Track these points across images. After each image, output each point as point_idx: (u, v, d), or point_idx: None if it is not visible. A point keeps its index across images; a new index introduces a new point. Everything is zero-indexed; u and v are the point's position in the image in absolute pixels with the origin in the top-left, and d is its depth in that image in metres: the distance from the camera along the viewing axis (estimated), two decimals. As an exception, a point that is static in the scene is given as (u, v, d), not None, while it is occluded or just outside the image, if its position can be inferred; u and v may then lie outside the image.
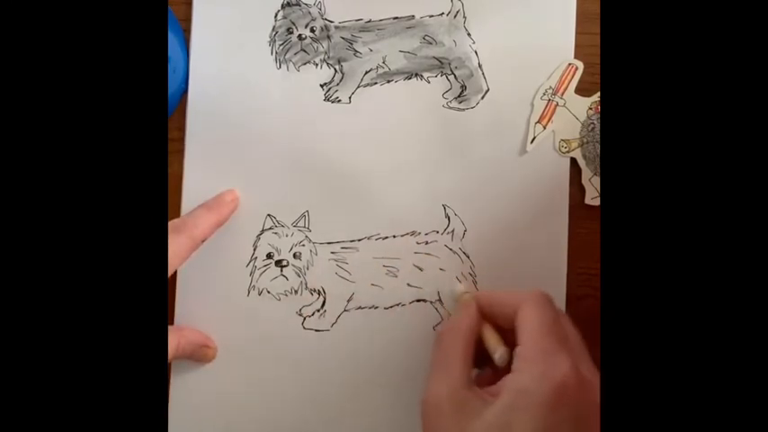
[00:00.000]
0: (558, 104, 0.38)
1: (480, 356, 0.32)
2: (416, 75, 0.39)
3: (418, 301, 0.39)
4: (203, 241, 0.37)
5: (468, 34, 0.39)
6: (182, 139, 0.39)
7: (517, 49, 0.39)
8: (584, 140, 0.38)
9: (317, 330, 0.39)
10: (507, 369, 0.30)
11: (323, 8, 0.39)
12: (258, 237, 0.39)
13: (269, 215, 0.39)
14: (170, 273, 0.35)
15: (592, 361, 0.31)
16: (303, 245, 0.39)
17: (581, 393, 0.28)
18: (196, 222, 0.36)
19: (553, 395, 0.27)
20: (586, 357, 0.31)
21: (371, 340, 0.38)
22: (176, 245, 0.35)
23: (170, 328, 0.37)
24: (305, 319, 0.39)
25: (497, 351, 0.31)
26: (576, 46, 0.38)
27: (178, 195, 0.39)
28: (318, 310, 0.39)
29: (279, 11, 0.39)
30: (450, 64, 0.39)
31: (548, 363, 0.28)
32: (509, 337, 0.31)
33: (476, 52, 0.39)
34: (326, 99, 0.39)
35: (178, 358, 0.38)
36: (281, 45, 0.39)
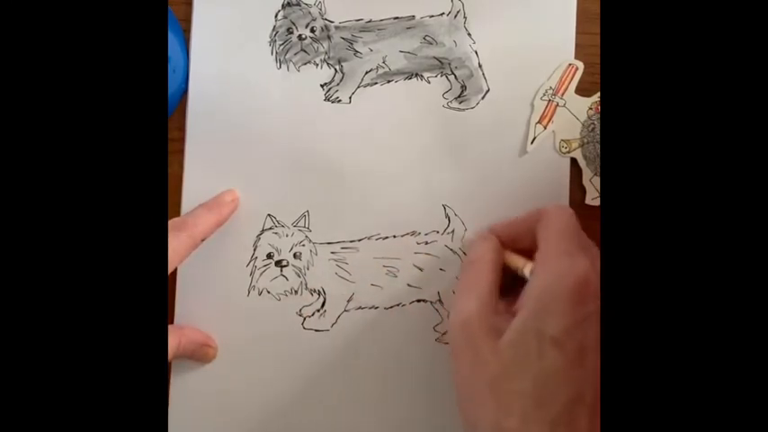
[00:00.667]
0: (558, 105, 0.38)
1: (505, 287, 0.32)
2: (417, 75, 0.39)
3: (418, 301, 0.39)
4: (203, 241, 0.37)
5: (469, 34, 0.39)
6: (182, 139, 0.39)
7: (517, 49, 0.39)
8: (585, 141, 0.38)
9: (316, 330, 0.39)
10: None
11: (323, 8, 0.39)
12: (258, 237, 0.39)
13: (269, 215, 0.39)
14: (169, 271, 0.35)
15: None
16: (303, 245, 0.39)
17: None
18: (196, 222, 0.36)
19: (576, 290, 0.27)
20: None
21: (371, 340, 0.38)
22: (176, 244, 0.35)
23: (171, 327, 0.37)
24: (305, 319, 0.39)
25: (527, 266, 0.31)
26: (576, 46, 0.38)
27: (178, 195, 0.39)
28: (318, 310, 0.39)
29: (279, 11, 0.39)
30: (450, 64, 0.39)
31: (567, 262, 0.28)
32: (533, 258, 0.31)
33: (476, 52, 0.39)
34: (327, 99, 0.39)
35: (178, 357, 0.38)
36: (281, 45, 0.39)
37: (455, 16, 0.39)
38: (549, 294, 0.27)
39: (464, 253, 0.38)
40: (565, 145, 0.38)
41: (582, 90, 0.38)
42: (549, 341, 0.27)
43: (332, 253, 0.39)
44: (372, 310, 0.39)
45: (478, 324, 0.28)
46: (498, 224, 0.34)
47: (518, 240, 0.32)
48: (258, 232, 0.39)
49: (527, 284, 0.29)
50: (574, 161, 0.38)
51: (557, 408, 0.26)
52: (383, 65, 0.39)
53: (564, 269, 0.28)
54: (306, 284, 0.39)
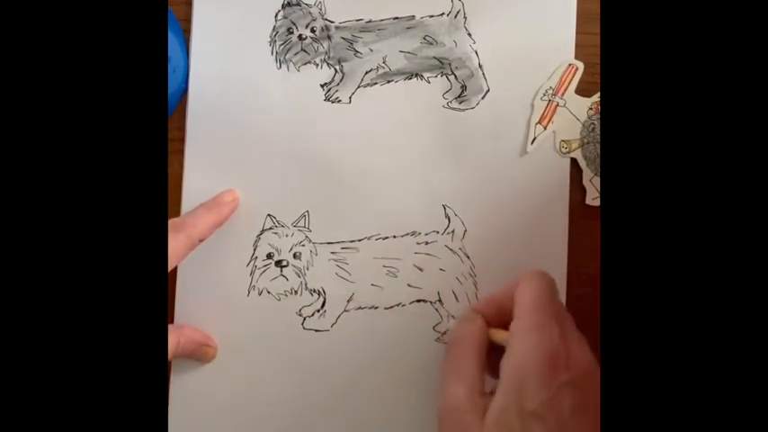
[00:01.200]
0: (558, 105, 0.38)
1: (491, 367, 0.32)
2: (417, 75, 0.39)
3: (418, 301, 0.39)
4: (201, 241, 0.37)
5: (469, 34, 0.39)
6: (182, 139, 0.39)
7: (517, 49, 0.39)
8: (585, 141, 0.38)
9: (316, 330, 0.39)
10: None
11: (323, 8, 0.39)
12: (258, 237, 0.39)
13: (269, 215, 0.39)
14: None
15: (585, 342, 0.31)
16: (303, 245, 0.39)
17: (574, 361, 0.28)
18: (195, 222, 0.36)
19: (548, 363, 0.28)
20: (577, 336, 0.31)
21: (371, 340, 0.38)
22: (174, 243, 0.35)
23: (170, 326, 0.37)
24: (305, 319, 0.39)
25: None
26: (576, 46, 0.38)
27: (178, 195, 0.39)
28: (318, 311, 0.39)
29: (279, 11, 0.39)
30: (450, 64, 0.39)
31: (537, 335, 0.28)
32: None
33: (476, 52, 0.39)
34: (327, 99, 0.39)
35: (178, 357, 0.38)
36: (281, 45, 0.39)
37: (455, 16, 0.39)
38: (522, 370, 0.28)
39: (464, 253, 0.38)
40: (565, 145, 0.38)
41: (582, 90, 0.38)
42: (529, 416, 0.27)
43: (332, 253, 0.39)
44: (372, 310, 0.39)
45: (467, 408, 0.29)
46: (480, 302, 0.34)
47: (502, 313, 0.32)
48: (258, 232, 0.39)
49: (502, 361, 0.29)
50: (574, 161, 0.38)
51: None
52: (383, 65, 0.39)
53: (534, 343, 0.29)
54: (306, 284, 0.39)
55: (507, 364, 0.29)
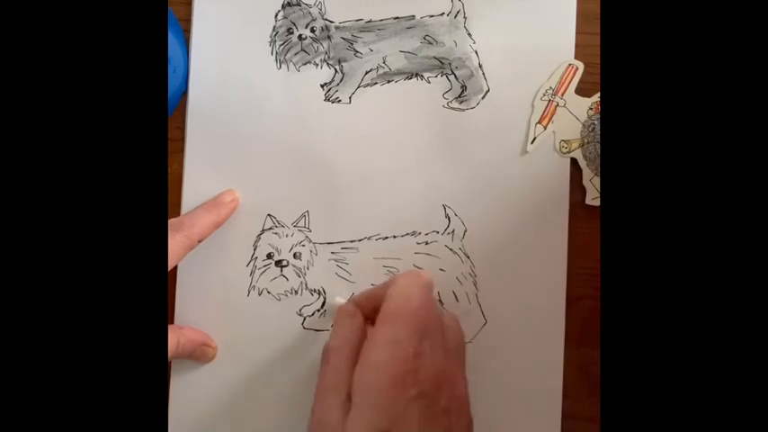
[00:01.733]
0: (558, 105, 0.38)
1: None
2: (417, 75, 0.39)
3: (418, 301, 0.39)
4: (200, 241, 0.37)
5: (469, 34, 0.39)
6: (182, 139, 0.39)
7: (517, 49, 0.39)
8: (585, 141, 0.38)
9: (316, 330, 0.39)
10: None
11: (323, 8, 0.39)
12: (258, 237, 0.39)
13: (269, 215, 0.39)
14: None
15: (444, 347, 0.31)
16: (303, 245, 0.39)
17: (424, 374, 0.29)
18: (193, 222, 0.36)
19: (395, 381, 0.28)
20: (437, 339, 0.31)
21: (371, 340, 0.38)
22: (173, 243, 0.35)
23: (170, 327, 0.37)
24: (305, 319, 0.39)
25: None
26: (576, 46, 0.38)
27: (178, 195, 0.39)
28: (318, 310, 0.39)
29: (279, 11, 0.39)
30: (450, 64, 0.39)
31: (388, 352, 0.29)
32: None
33: (476, 52, 0.39)
34: (327, 99, 0.39)
35: (178, 357, 0.38)
36: (281, 45, 0.39)
37: (455, 16, 0.39)
38: (372, 386, 0.29)
39: (464, 253, 0.38)
40: (565, 145, 0.38)
41: (582, 90, 0.38)
42: None
43: (332, 253, 0.39)
44: (372, 310, 0.39)
45: (339, 424, 0.29)
46: (361, 295, 0.35)
47: (377, 310, 0.32)
48: (258, 232, 0.39)
49: (355, 370, 0.30)
50: (574, 161, 0.38)
51: None
52: (383, 65, 0.39)
53: (386, 358, 0.29)
54: (306, 284, 0.39)
55: (358, 378, 0.29)
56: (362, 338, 0.32)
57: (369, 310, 0.33)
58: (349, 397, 0.30)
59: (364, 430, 0.28)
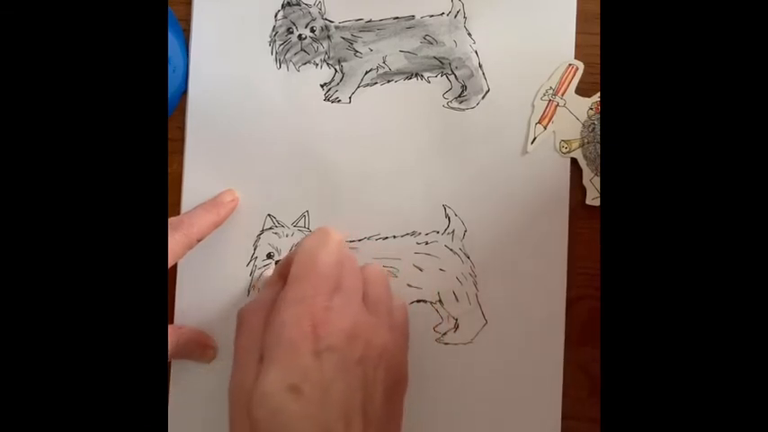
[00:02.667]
0: (558, 105, 0.38)
1: None
2: (417, 75, 0.39)
3: (418, 301, 0.39)
4: (200, 241, 0.37)
5: (469, 34, 0.39)
6: (182, 139, 0.39)
7: (517, 49, 0.39)
8: (585, 141, 0.38)
9: (316, 330, 0.39)
10: None
11: (323, 8, 0.39)
12: (258, 237, 0.39)
13: (269, 215, 0.39)
14: None
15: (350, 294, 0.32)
16: (303, 245, 0.39)
17: (333, 327, 0.29)
18: (193, 221, 0.36)
19: (304, 335, 0.28)
20: (349, 294, 0.31)
21: (371, 340, 0.38)
22: (172, 242, 0.35)
23: (170, 327, 0.37)
24: (305, 319, 0.39)
25: None
26: (576, 46, 0.38)
27: (178, 195, 0.39)
28: (318, 311, 0.39)
29: (279, 11, 0.39)
30: (450, 64, 0.39)
31: (293, 309, 0.29)
32: None
33: (476, 52, 0.39)
34: (327, 99, 0.39)
35: (177, 357, 0.38)
36: (281, 45, 0.39)
37: (455, 16, 0.39)
38: (279, 344, 0.29)
39: (464, 253, 0.38)
40: (565, 145, 0.38)
41: (582, 90, 0.38)
42: (288, 390, 0.28)
43: (332, 253, 0.39)
44: (372, 310, 0.39)
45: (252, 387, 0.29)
46: (280, 263, 0.35)
47: None
48: (258, 232, 0.39)
49: (265, 331, 0.30)
50: (574, 161, 0.38)
51: None
52: (383, 65, 0.39)
53: (290, 315, 0.29)
54: (306, 284, 0.39)
55: (267, 338, 0.29)
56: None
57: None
58: (262, 359, 0.29)
59: (274, 386, 0.28)
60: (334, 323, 0.29)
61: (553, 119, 0.38)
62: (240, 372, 0.30)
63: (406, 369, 0.33)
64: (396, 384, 0.32)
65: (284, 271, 0.33)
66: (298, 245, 0.32)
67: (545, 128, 0.38)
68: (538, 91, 0.38)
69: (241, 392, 0.29)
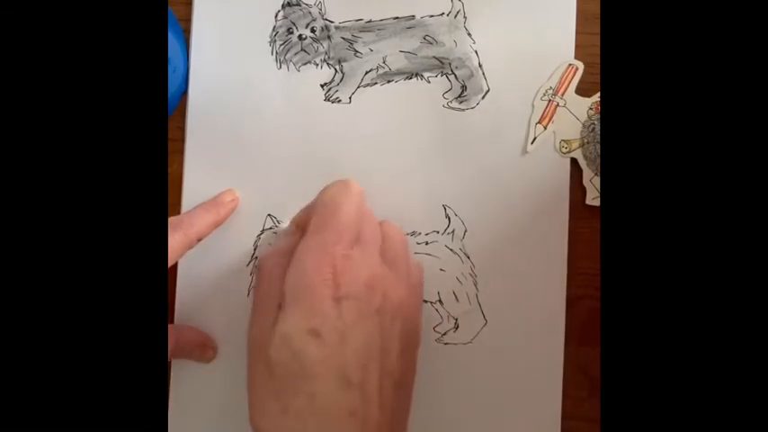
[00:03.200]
0: (558, 105, 0.38)
1: None
2: (417, 75, 0.39)
3: (418, 301, 0.39)
4: (199, 240, 0.37)
5: (469, 34, 0.39)
6: (182, 139, 0.39)
7: (517, 49, 0.39)
8: (585, 141, 0.38)
9: (317, 330, 0.39)
10: None
11: (323, 8, 0.39)
12: (258, 237, 0.39)
13: (269, 215, 0.39)
14: None
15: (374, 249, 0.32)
16: (303, 245, 0.39)
17: (351, 276, 0.29)
18: (192, 221, 0.36)
19: (324, 282, 0.29)
20: (367, 248, 0.32)
21: (371, 340, 0.38)
22: (171, 242, 0.35)
23: (170, 327, 0.37)
24: (305, 319, 0.39)
25: None
26: (576, 46, 0.38)
27: (178, 195, 0.39)
28: (318, 311, 0.39)
29: (279, 11, 0.39)
30: (450, 64, 0.39)
31: (318, 253, 0.30)
32: None
33: (476, 52, 0.39)
34: (327, 99, 0.39)
35: (177, 357, 0.38)
36: (281, 45, 0.39)
37: (455, 16, 0.39)
38: (298, 288, 0.29)
39: (464, 253, 0.38)
40: (565, 145, 0.38)
41: (582, 90, 0.38)
42: (306, 334, 0.28)
43: (332, 253, 0.39)
44: (372, 310, 0.39)
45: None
46: (299, 213, 0.35)
47: None
48: (258, 232, 0.39)
49: (286, 278, 0.30)
50: (574, 161, 0.38)
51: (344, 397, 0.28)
52: (383, 65, 0.39)
53: (311, 263, 0.30)
54: (306, 284, 0.39)
55: (288, 283, 0.30)
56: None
57: (308, 225, 0.34)
58: (281, 305, 0.30)
59: (294, 329, 0.28)
60: (354, 272, 0.30)
61: (553, 119, 0.38)
62: (260, 317, 0.31)
63: (420, 327, 0.34)
64: (410, 340, 0.32)
65: (302, 221, 0.33)
66: (319, 195, 0.33)
67: (545, 128, 0.38)
68: (538, 91, 0.38)
69: (260, 336, 0.30)
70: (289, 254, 0.32)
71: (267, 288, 0.31)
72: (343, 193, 0.32)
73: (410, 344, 0.32)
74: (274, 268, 0.32)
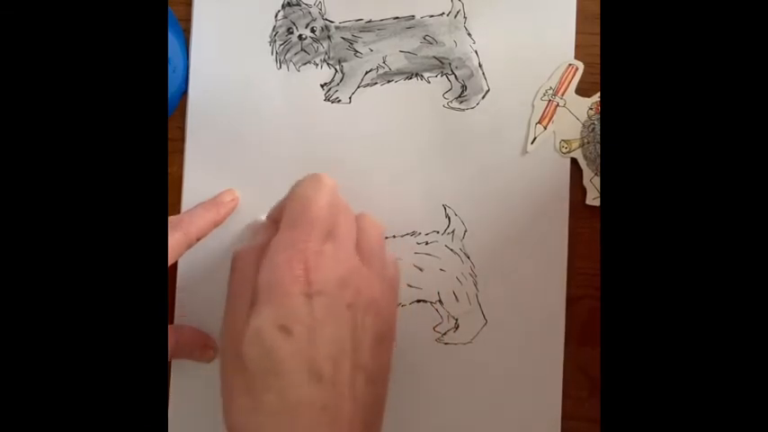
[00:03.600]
0: (558, 105, 0.38)
1: None
2: (417, 75, 0.39)
3: (418, 301, 0.39)
4: (199, 239, 0.37)
5: (469, 34, 0.39)
6: (182, 139, 0.39)
7: (517, 49, 0.39)
8: (585, 141, 0.38)
9: (316, 330, 0.39)
10: None
11: (323, 8, 0.39)
12: (258, 237, 0.39)
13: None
14: None
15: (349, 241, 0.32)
16: (303, 245, 0.39)
17: (322, 274, 0.29)
18: (192, 220, 0.36)
19: (294, 279, 0.29)
20: (342, 241, 0.32)
21: (371, 340, 0.38)
22: (171, 240, 0.35)
23: (170, 327, 0.37)
24: (305, 319, 0.39)
25: None
26: (576, 46, 0.38)
27: (178, 195, 0.39)
28: (318, 311, 0.39)
29: (279, 11, 0.39)
30: (450, 64, 0.39)
31: (289, 252, 0.30)
32: None
33: (476, 52, 0.39)
34: (327, 99, 0.39)
35: (178, 357, 0.38)
36: (281, 45, 0.39)
37: (455, 16, 0.39)
38: (270, 284, 0.29)
39: (464, 253, 0.38)
40: (565, 145, 0.38)
41: (582, 90, 0.38)
42: (278, 330, 0.29)
43: (332, 253, 0.39)
44: (372, 310, 0.39)
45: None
46: (273, 209, 0.35)
47: None
48: (258, 232, 0.39)
49: (259, 273, 0.30)
50: (574, 161, 0.38)
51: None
52: (383, 65, 0.39)
53: (283, 258, 0.30)
54: (306, 284, 0.39)
55: (260, 279, 0.30)
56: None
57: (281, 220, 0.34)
58: (253, 302, 0.30)
59: (265, 324, 0.29)
60: (325, 268, 0.30)
61: (553, 119, 0.38)
62: (232, 313, 0.31)
63: (394, 323, 0.34)
64: (384, 335, 0.32)
65: (277, 216, 0.33)
66: (291, 190, 0.33)
67: (545, 128, 0.38)
68: (538, 91, 0.38)
69: (233, 332, 0.30)
70: (262, 249, 0.32)
71: (239, 284, 0.31)
72: (314, 188, 0.32)
73: (384, 339, 0.32)
74: (247, 264, 0.32)
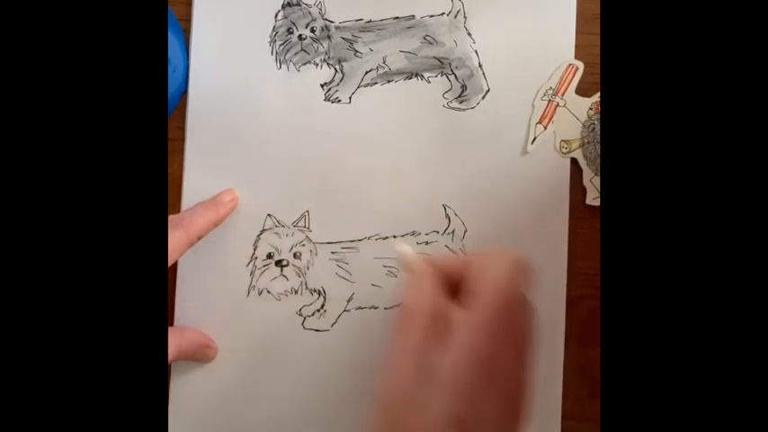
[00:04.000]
0: (558, 105, 0.38)
1: None
2: (417, 75, 0.39)
3: (418, 301, 0.38)
4: (199, 239, 0.37)
5: (469, 34, 0.39)
6: (182, 139, 0.39)
7: (518, 49, 0.39)
8: (585, 141, 0.38)
9: (316, 330, 0.39)
10: None
11: (323, 8, 0.39)
12: (258, 237, 0.39)
13: (269, 215, 0.39)
14: None
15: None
16: (303, 245, 0.39)
17: (502, 372, 0.28)
18: (193, 219, 0.36)
19: (480, 373, 0.27)
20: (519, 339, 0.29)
21: (371, 340, 0.38)
22: (171, 240, 0.35)
23: (171, 329, 0.37)
24: (305, 319, 0.39)
25: None
26: (576, 46, 0.38)
27: (178, 195, 0.39)
28: (318, 310, 0.39)
29: (279, 11, 0.39)
30: (450, 64, 0.39)
31: (480, 338, 0.27)
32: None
33: (476, 52, 0.39)
34: (327, 99, 0.39)
35: (179, 359, 0.38)
36: (281, 45, 0.39)
37: (455, 16, 0.39)
38: (456, 369, 0.27)
39: (464, 253, 0.38)
40: (565, 145, 0.38)
41: (582, 90, 0.38)
42: (454, 422, 0.27)
43: (332, 253, 0.39)
44: (372, 310, 0.39)
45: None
46: (435, 259, 0.31)
47: (447, 283, 0.30)
48: (258, 232, 0.39)
49: (441, 354, 0.28)
50: (574, 161, 0.38)
51: None
52: (383, 65, 0.39)
53: (474, 344, 0.27)
54: (306, 284, 0.39)
55: (446, 359, 0.27)
56: (439, 305, 0.29)
57: (444, 275, 0.30)
58: (422, 369, 0.28)
59: (439, 413, 0.27)
60: (503, 370, 0.28)
61: (553, 119, 0.38)
62: (398, 376, 0.29)
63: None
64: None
65: (439, 270, 0.30)
66: (478, 265, 0.29)
67: (545, 128, 0.38)
68: (538, 91, 0.38)
69: (396, 398, 0.29)
70: (432, 310, 0.29)
71: (409, 347, 0.29)
72: (520, 277, 0.28)
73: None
74: (418, 325, 0.29)
